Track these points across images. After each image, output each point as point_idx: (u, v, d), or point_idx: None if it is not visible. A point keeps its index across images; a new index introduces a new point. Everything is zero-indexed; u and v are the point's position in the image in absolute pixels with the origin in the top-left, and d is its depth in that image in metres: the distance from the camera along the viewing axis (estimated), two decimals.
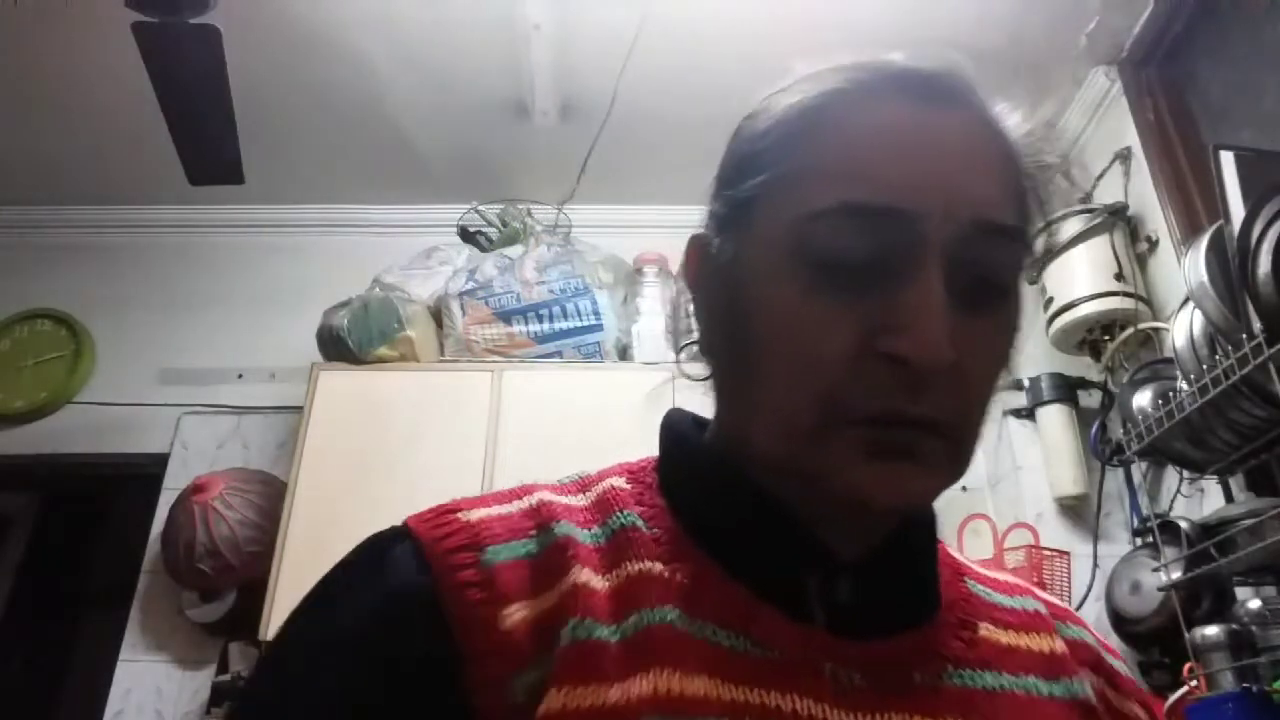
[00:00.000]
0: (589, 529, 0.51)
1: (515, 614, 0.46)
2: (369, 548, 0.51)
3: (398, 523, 0.52)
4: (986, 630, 0.54)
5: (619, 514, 0.52)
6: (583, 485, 0.56)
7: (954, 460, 0.47)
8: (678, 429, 0.58)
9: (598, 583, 0.48)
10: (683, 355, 0.59)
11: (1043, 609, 0.58)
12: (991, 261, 0.47)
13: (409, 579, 0.48)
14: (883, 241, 0.45)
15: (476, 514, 0.51)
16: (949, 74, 0.50)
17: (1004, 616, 0.56)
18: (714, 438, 0.56)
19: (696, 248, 0.56)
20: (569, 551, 0.49)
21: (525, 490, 0.54)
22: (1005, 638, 0.54)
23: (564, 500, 0.53)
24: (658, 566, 0.49)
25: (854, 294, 0.46)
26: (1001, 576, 0.61)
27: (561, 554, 0.48)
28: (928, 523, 0.56)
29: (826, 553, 0.50)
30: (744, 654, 0.46)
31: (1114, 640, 1.97)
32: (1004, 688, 0.51)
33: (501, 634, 0.45)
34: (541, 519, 0.51)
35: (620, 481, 0.55)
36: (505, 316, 2.31)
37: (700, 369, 0.56)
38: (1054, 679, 0.53)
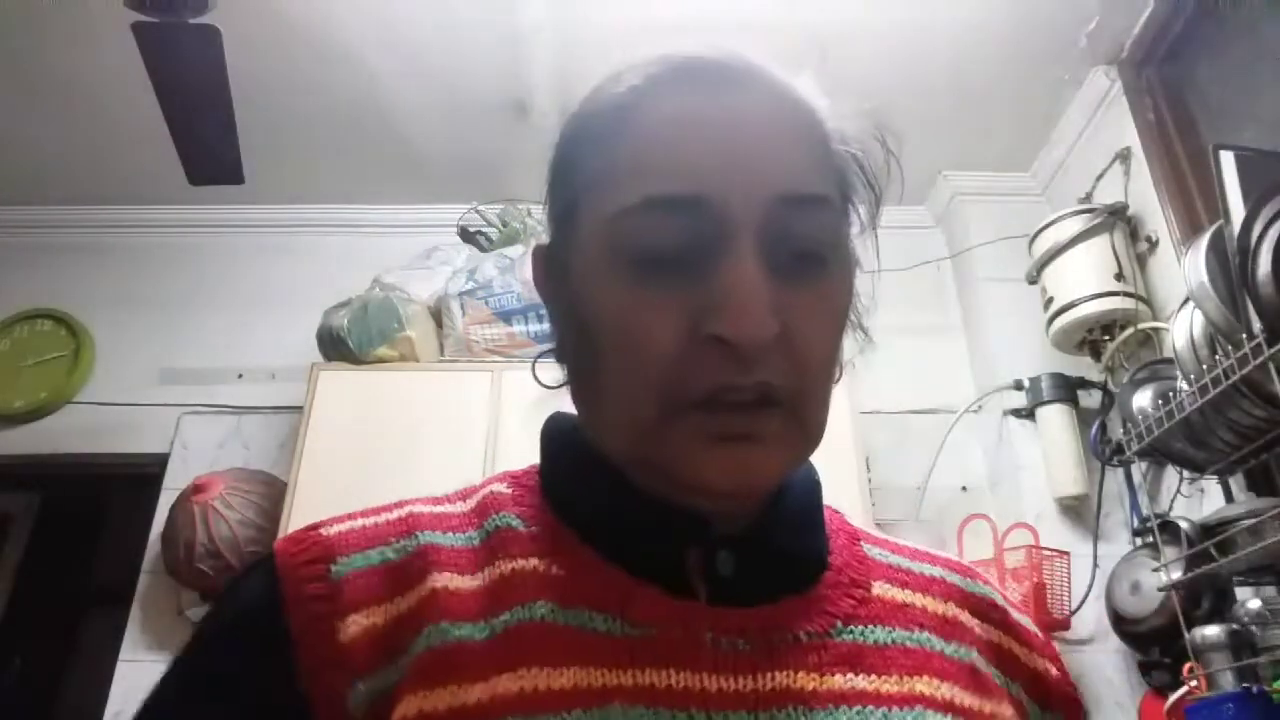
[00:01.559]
0: (463, 532, 0.53)
1: (357, 623, 0.47)
2: (240, 573, 0.54)
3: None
4: (880, 589, 0.54)
5: (495, 516, 0.53)
6: (464, 494, 0.57)
7: (798, 431, 0.48)
8: (555, 431, 0.59)
9: (463, 584, 0.49)
10: (538, 363, 0.60)
11: (947, 575, 0.58)
12: (804, 231, 0.48)
13: (257, 596, 0.50)
14: (692, 229, 0.46)
15: (337, 529, 0.52)
16: (735, 57, 0.51)
17: (900, 576, 0.56)
18: (583, 437, 0.57)
19: (540, 254, 0.58)
20: (429, 558, 0.50)
21: (400, 504, 0.55)
22: (901, 595, 0.54)
23: (437, 510, 0.55)
24: (533, 561, 0.50)
25: (675, 283, 0.46)
26: (905, 543, 0.61)
27: (421, 560, 0.50)
28: (807, 486, 0.56)
29: (704, 528, 0.51)
30: (620, 637, 0.47)
31: (1113, 640, 1.97)
32: (895, 641, 0.51)
33: (339, 645, 0.46)
34: (405, 528, 0.52)
35: (501, 487, 0.57)
36: (505, 316, 2.30)
37: (557, 375, 0.58)
38: (948, 639, 0.53)
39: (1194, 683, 1.51)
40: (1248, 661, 1.43)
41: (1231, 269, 1.45)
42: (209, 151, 1.97)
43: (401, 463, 2.08)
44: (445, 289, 2.36)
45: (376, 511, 0.54)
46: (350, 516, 0.54)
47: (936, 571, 0.58)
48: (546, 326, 2.30)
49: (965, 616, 0.56)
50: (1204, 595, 1.65)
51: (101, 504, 3.24)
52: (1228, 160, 1.49)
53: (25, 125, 2.51)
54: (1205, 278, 1.53)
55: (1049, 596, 1.99)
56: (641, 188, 0.47)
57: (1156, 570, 1.68)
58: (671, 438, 0.47)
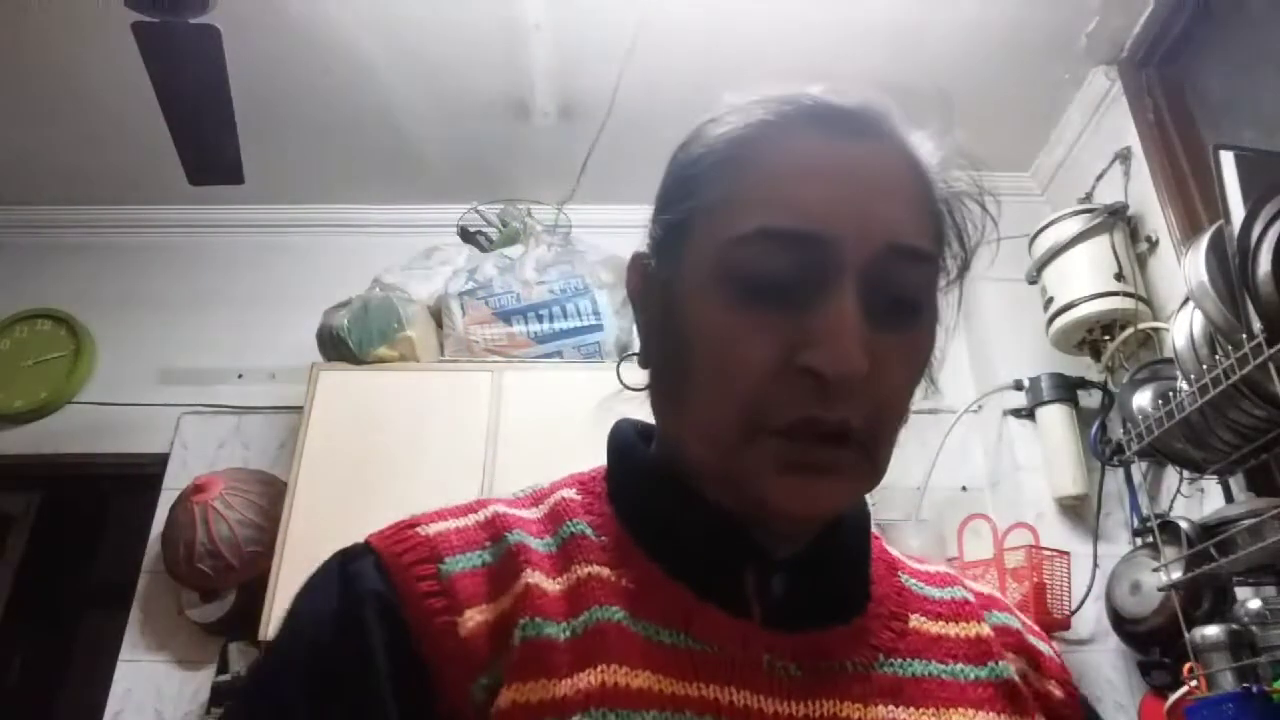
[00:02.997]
0: (541, 538, 0.55)
1: (471, 620, 0.49)
2: (332, 564, 0.53)
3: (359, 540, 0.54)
4: (917, 621, 0.57)
5: (569, 523, 0.55)
6: (535, 499, 0.60)
7: (868, 467, 0.51)
8: (622, 440, 0.61)
9: (549, 585, 0.51)
10: (623, 365, 0.62)
11: (970, 598, 0.61)
12: (904, 281, 0.51)
13: (371, 587, 0.50)
14: (801, 263, 0.49)
15: (434, 528, 0.54)
16: (863, 108, 0.53)
17: (934, 608, 0.59)
18: (657, 447, 0.60)
19: (637, 265, 0.60)
20: (520, 557, 0.52)
21: (480, 504, 0.57)
22: (934, 628, 0.58)
23: (517, 513, 0.57)
24: (605, 570, 0.53)
25: (776, 312, 0.49)
26: (932, 569, 0.64)
27: (514, 559, 0.52)
28: (860, 520, 0.59)
29: (761, 551, 0.53)
30: (685, 650, 0.50)
31: (1113, 640, 1.97)
32: (932, 674, 0.54)
33: (460, 641, 0.48)
34: (495, 530, 0.54)
35: (571, 493, 0.59)
36: (505, 316, 2.30)
37: (641, 379, 0.60)
38: (980, 664, 0.56)
39: (1194, 683, 1.51)
40: (1248, 661, 1.43)
41: (1231, 269, 1.45)
42: (209, 151, 1.97)
43: (401, 463, 2.08)
44: (445, 289, 2.36)
45: (462, 512, 0.56)
46: (440, 516, 0.55)
47: (962, 594, 0.62)
48: (546, 326, 2.31)
49: (989, 635, 0.59)
50: (1204, 595, 1.65)
51: (101, 504, 3.24)
52: (1228, 160, 1.49)
53: (25, 125, 2.51)
54: (1205, 278, 1.52)
55: (1049, 596, 1.99)
56: (759, 218, 0.50)
57: (1156, 570, 1.68)
58: (749, 459, 0.49)
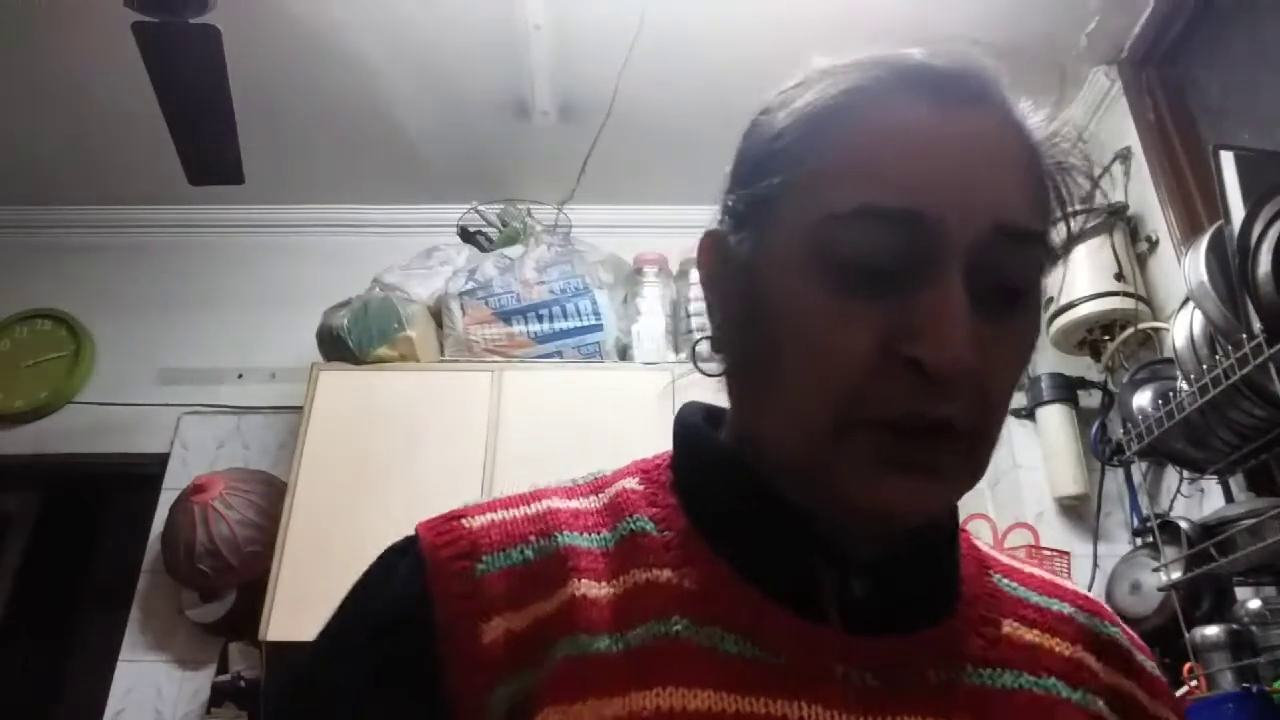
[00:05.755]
0: (597, 533, 0.52)
1: (499, 626, 0.47)
2: (382, 558, 0.53)
3: (411, 530, 0.54)
4: (1010, 627, 0.53)
5: (629, 519, 0.52)
6: (596, 487, 0.56)
7: (970, 466, 0.47)
8: (691, 426, 0.57)
9: (599, 592, 0.48)
10: (686, 352, 0.59)
11: (1077, 614, 0.56)
12: (1012, 265, 0.47)
13: (408, 589, 0.49)
14: (903, 244, 0.45)
15: (480, 520, 0.52)
16: (969, 71, 0.49)
17: (1030, 614, 0.55)
18: (728, 435, 0.55)
19: (712, 243, 0.55)
20: (569, 563, 0.49)
21: (535, 496, 0.54)
22: (1030, 635, 0.53)
23: (573, 505, 0.54)
24: (666, 573, 0.49)
25: (875, 296, 0.45)
26: (1032, 570, 0.59)
27: (561, 565, 0.49)
28: (950, 518, 0.55)
29: (842, 552, 0.49)
30: (752, 661, 0.46)
31: None
32: (1023, 687, 0.50)
33: (482, 646, 0.46)
34: (544, 526, 0.51)
35: (633, 483, 0.55)
36: (505, 316, 2.30)
37: (714, 365, 0.56)
38: (1074, 686, 0.52)
39: (1194, 683, 1.51)
40: (1248, 661, 1.43)
41: (1231, 269, 1.44)
42: (209, 151, 1.97)
43: (401, 463, 2.08)
44: (445, 289, 2.36)
45: (514, 503, 0.53)
46: (490, 507, 0.53)
47: (1065, 609, 0.56)
48: (546, 326, 2.30)
49: (1091, 660, 0.54)
50: (1204, 595, 1.65)
51: (101, 504, 3.23)
52: (1228, 160, 1.49)
53: (25, 125, 2.51)
54: (1205, 278, 1.52)
55: None
56: (857, 195, 0.45)
57: (1156, 570, 1.68)
58: (844, 453, 0.45)
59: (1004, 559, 0.59)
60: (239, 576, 2.16)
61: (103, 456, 2.56)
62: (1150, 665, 0.58)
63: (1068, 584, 0.60)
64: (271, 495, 2.23)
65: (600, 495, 0.55)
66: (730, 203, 0.54)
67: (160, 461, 2.49)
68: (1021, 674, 0.50)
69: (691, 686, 0.44)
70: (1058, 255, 0.52)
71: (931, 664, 0.49)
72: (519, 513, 0.52)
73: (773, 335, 0.48)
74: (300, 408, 2.21)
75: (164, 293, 2.74)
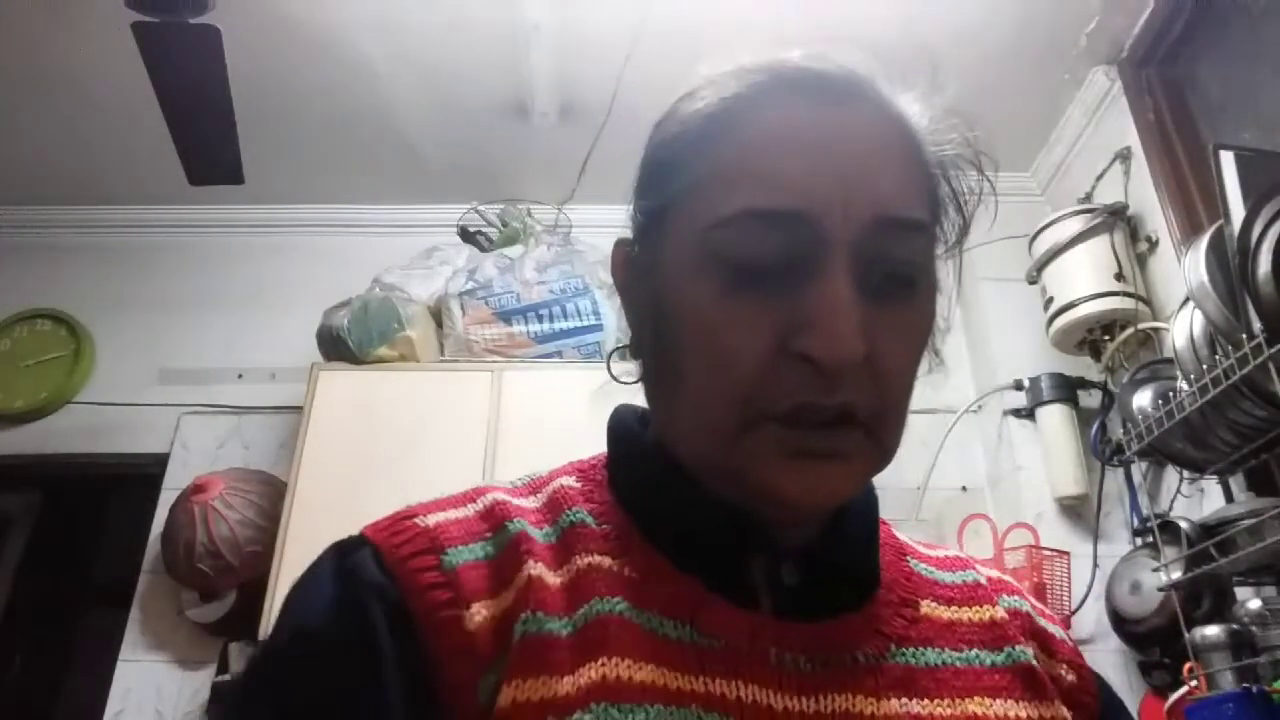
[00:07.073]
0: (541, 528, 0.52)
1: (480, 613, 0.46)
2: (326, 558, 0.51)
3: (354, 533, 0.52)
4: (928, 607, 0.56)
5: (569, 512, 0.53)
6: (534, 487, 0.57)
7: (875, 449, 0.49)
8: (622, 426, 0.59)
9: (550, 578, 0.49)
10: (614, 358, 0.60)
11: (983, 580, 0.60)
12: (898, 254, 0.48)
13: (370, 578, 0.48)
14: (789, 243, 0.47)
15: (433, 519, 0.51)
16: (845, 72, 0.50)
17: (945, 592, 0.58)
18: (653, 435, 0.57)
19: (621, 252, 0.58)
20: (523, 547, 0.50)
21: (478, 492, 0.55)
22: (946, 613, 0.56)
23: (516, 502, 0.54)
24: (607, 560, 0.51)
25: (767, 295, 0.47)
26: (941, 553, 0.62)
27: (516, 550, 0.49)
28: (868, 504, 0.57)
29: (769, 539, 0.52)
30: (690, 644, 0.48)
31: (1114, 640, 1.97)
32: (946, 663, 0.52)
33: (467, 635, 0.46)
34: (496, 519, 0.52)
35: (570, 480, 0.57)
36: (505, 316, 2.30)
37: (631, 371, 0.58)
38: (997, 648, 0.54)
39: (1194, 683, 1.51)
40: (1248, 661, 1.43)
41: (1231, 269, 1.44)
42: (209, 151, 1.97)
43: (401, 463, 2.08)
44: (445, 289, 2.36)
45: (461, 501, 0.54)
46: (439, 506, 0.53)
47: (972, 577, 0.60)
48: (546, 326, 2.31)
49: (1003, 615, 0.57)
50: (1204, 595, 1.64)
51: (101, 504, 3.24)
52: (1228, 160, 1.49)
53: (25, 124, 2.51)
54: (1205, 278, 1.52)
55: (1049, 596, 1.99)
56: (740, 199, 0.47)
57: (1156, 570, 1.68)
58: (749, 448, 0.48)
59: (919, 547, 0.62)
60: (239, 576, 2.16)
61: (103, 456, 2.55)
62: (1053, 628, 0.60)
63: (972, 558, 0.63)
64: (271, 495, 2.23)
65: (539, 494, 0.56)
66: (633, 213, 0.56)
67: (160, 461, 2.49)
68: (944, 650, 0.53)
69: (636, 660, 0.46)
70: (951, 241, 0.55)
71: (858, 646, 0.51)
72: (470, 510, 0.53)
73: (676, 341, 0.50)
74: (300, 408, 2.21)
75: (164, 293, 2.74)
